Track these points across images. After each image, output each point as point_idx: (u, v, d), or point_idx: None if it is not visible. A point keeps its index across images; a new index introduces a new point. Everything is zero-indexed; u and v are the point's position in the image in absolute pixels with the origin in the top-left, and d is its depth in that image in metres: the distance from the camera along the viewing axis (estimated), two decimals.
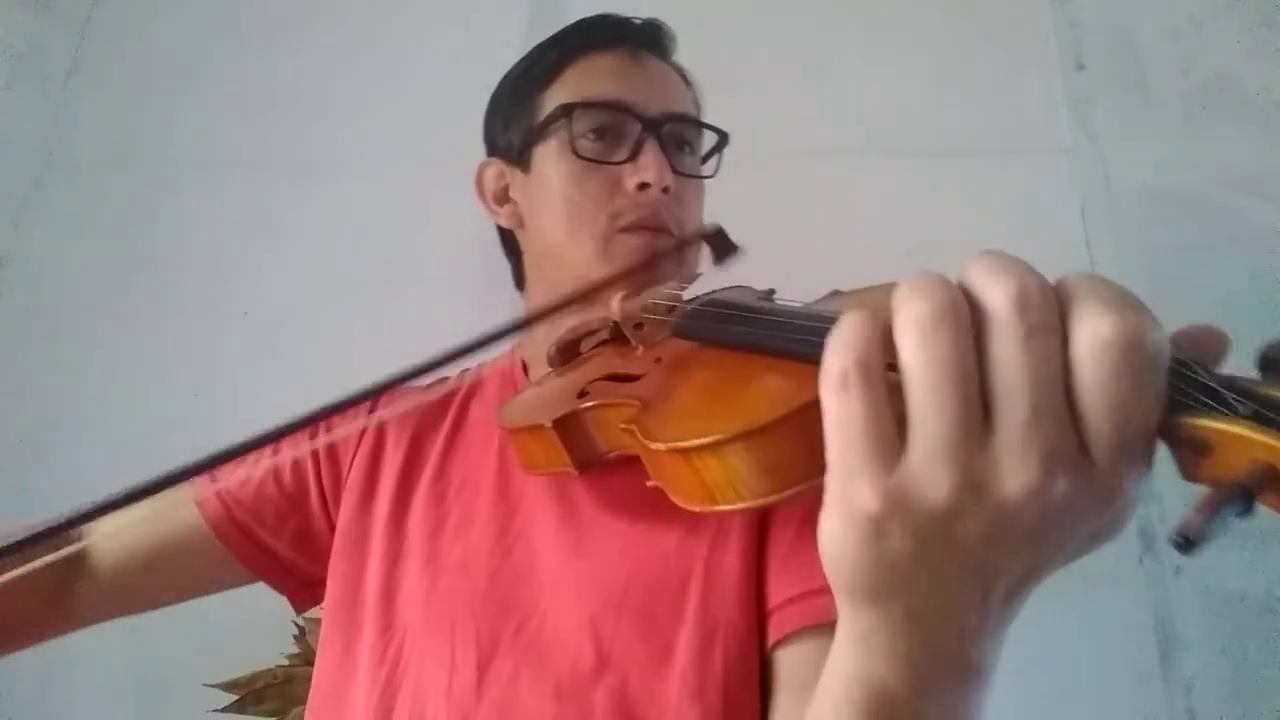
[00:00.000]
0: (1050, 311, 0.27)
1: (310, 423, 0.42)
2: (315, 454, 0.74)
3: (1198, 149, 1.16)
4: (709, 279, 0.64)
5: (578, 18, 0.79)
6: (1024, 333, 0.26)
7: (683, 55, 0.80)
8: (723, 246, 0.62)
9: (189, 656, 0.98)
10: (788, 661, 0.55)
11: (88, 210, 1.28)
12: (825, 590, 0.55)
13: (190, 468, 0.38)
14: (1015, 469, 0.26)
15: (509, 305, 0.84)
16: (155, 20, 1.38)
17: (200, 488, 0.73)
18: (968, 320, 0.27)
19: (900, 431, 0.28)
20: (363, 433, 0.75)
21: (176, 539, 0.72)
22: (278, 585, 0.75)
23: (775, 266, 0.70)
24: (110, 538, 0.71)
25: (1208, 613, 0.97)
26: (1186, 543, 0.26)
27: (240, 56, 1.35)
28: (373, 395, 0.44)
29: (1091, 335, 0.26)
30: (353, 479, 0.73)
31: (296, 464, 0.74)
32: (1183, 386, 0.28)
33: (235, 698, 0.99)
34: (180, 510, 0.73)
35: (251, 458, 0.38)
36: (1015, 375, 0.27)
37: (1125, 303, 0.27)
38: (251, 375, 1.18)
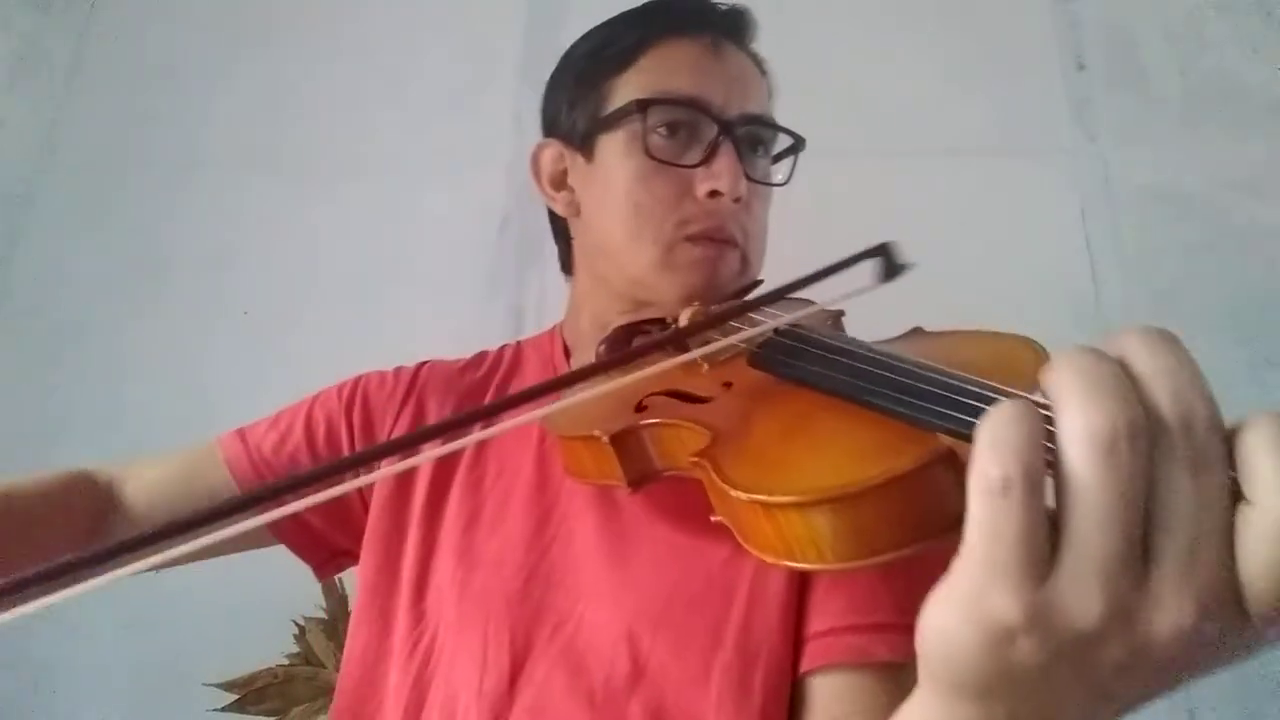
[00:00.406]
0: (1217, 439, 0.26)
1: (367, 460, 0.40)
2: (350, 425, 0.73)
3: (1198, 149, 1.16)
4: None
5: (576, 20, 0.78)
6: (1193, 461, 0.25)
7: None
8: (891, 265, 0.56)
9: (189, 656, 0.98)
10: (820, 692, 0.54)
11: (87, 210, 1.29)
12: (865, 628, 0.54)
13: (253, 496, 0.36)
14: (1169, 605, 0.25)
15: (507, 306, 0.84)
16: (155, 21, 1.38)
17: (231, 449, 0.73)
18: (1147, 445, 0.26)
19: (1051, 540, 0.26)
20: (400, 410, 0.73)
21: (208, 500, 0.71)
22: (304, 554, 0.74)
23: (776, 267, 0.70)
24: (143, 496, 0.70)
25: None
26: None
27: (240, 57, 1.35)
28: (413, 442, 0.41)
29: (1274, 513, 0.25)
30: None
31: (330, 434, 0.73)
32: None
33: (235, 697, 0.99)
34: (213, 472, 0.72)
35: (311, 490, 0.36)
36: (1181, 506, 0.25)
37: None
38: (251, 375, 1.18)
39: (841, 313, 0.65)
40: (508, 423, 0.42)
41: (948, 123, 1.20)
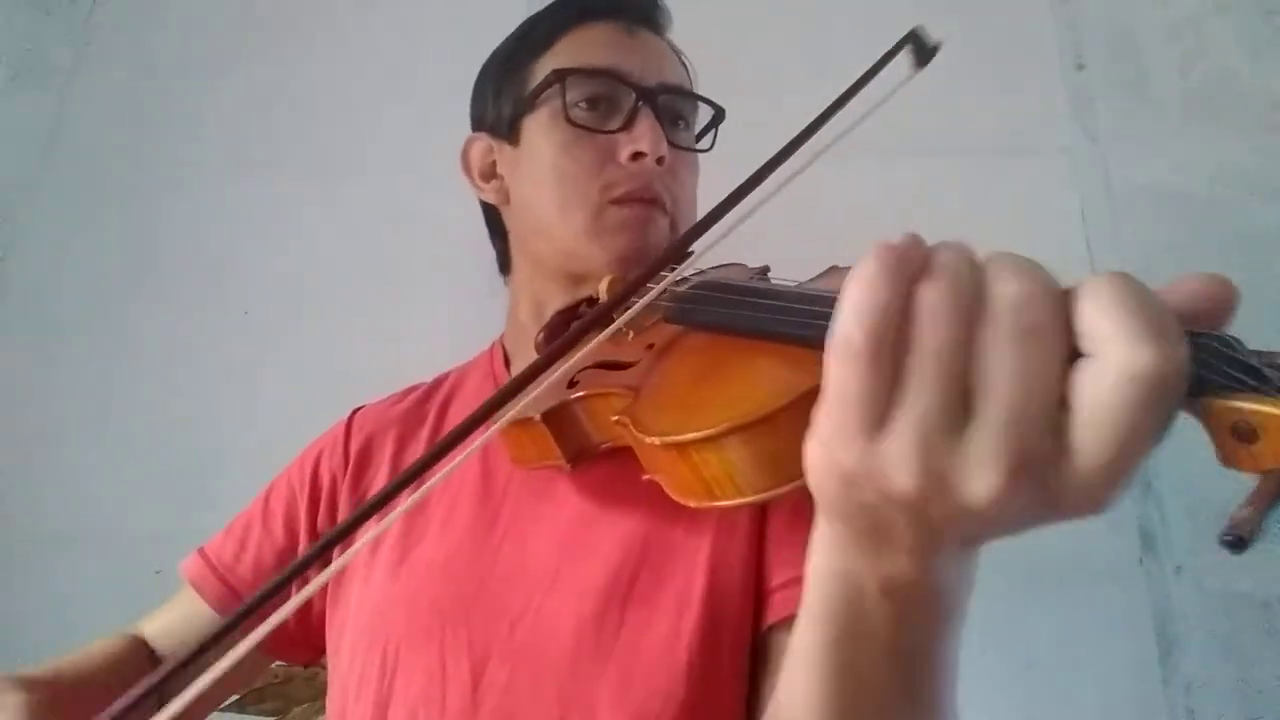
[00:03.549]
0: (1051, 317, 0.26)
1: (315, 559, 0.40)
2: (313, 505, 0.72)
3: (1198, 149, 1.16)
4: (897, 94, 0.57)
5: None
6: (1016, 332, 0.26)
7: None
8: (923, 49, 0.56)
9: None
10: (783, 645, 0.52)
11: (88, 210, 1.29)
12: None
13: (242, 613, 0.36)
14: (979, 472, 0.26)
15: (506, 307, 0.83)
16: (156, 21, 1.38)
17: (194, 573, 0.72)
18: (966, 316, 0.27)
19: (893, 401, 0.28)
20: (346, 463, 0.72)
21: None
22: (293, 658, 0.75)
23: (775, 267, 0.70)
24: (167, 645, 0.71)
25: (1208, 613, 0.97)
26: (1238, 541, 0.24)
27: (240, 57, 1.35)
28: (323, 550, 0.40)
29: (1121, 363, 0.25)
30: (342, 506, 0.71)
31: (289, 517, 0.72)
32: (1221, 365, 0.25)
33: (235, 697, 0.99)
34: (193, 604, 0.72)
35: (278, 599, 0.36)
36: (998, 375, 0.26)
37: (1162, 330, 0.25)
38: (251, 375, 1.18)
39: (767, 268, 0.66)
40: (459, 456, 0.42)
41: (948, 123, 1.20)
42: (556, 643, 0.56)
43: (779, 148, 0.49)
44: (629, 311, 0.50)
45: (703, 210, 0.74)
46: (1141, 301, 0.25)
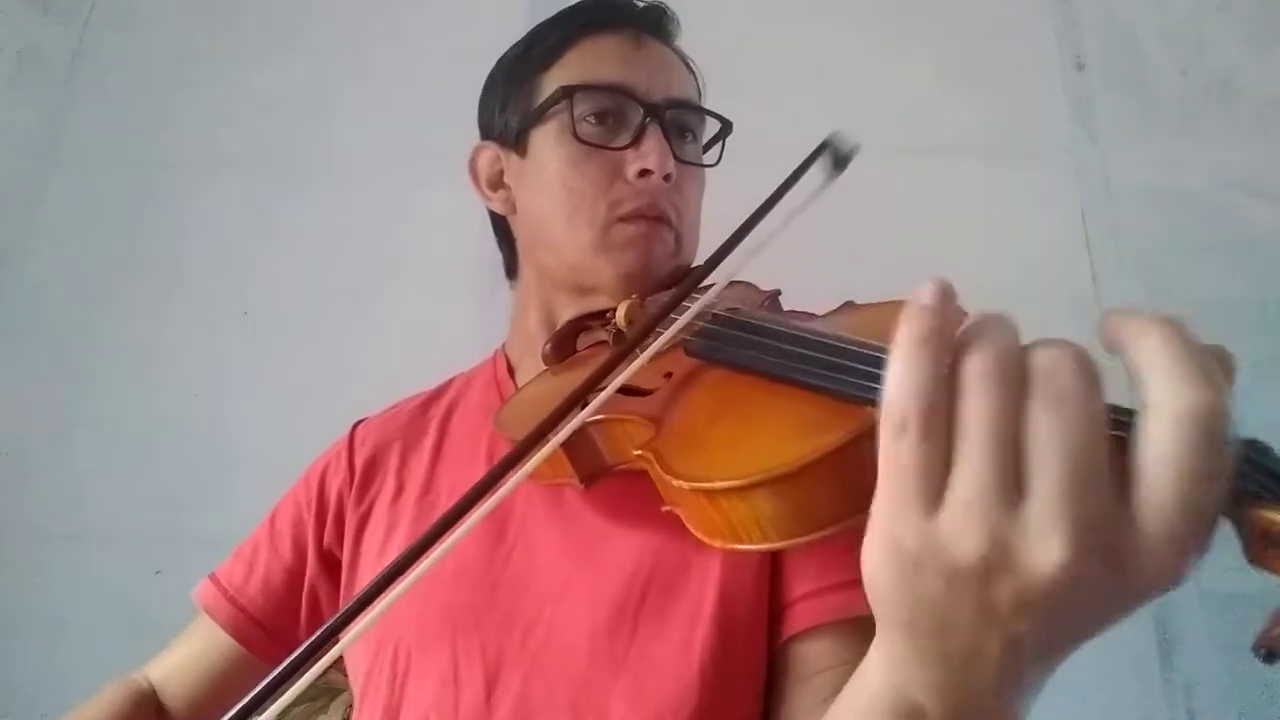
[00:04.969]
0: (1085, 381, 0.27)
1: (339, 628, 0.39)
2: (320, 523, 0.72)
3: (1198, 149, 1.16)
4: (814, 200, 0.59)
5: None
6: (1055, 397, 0.27)
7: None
8: (839, 155, 0.58)
9: None
10: (809, 653, 0.54)
11: (88, 210, 1.29)
12: (844, 585, 0.54)
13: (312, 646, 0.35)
14: (1042, 540, 0.26)
15: (507, 306, 0.83)
16: (155, 20, 1.38)
17: (209, 600, 0.72)
18: (1018, 379, 0.27)
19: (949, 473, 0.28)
20: (351, 478, 0.72)
21: (219, 666, 0.71)
22: None
23: (776, 267, 0.70)
24: (179, 691, 0.72)
25: (1208, 613, 0.97)
26: (1270, 656, 0.26)
27: (240, 56, 1.35)
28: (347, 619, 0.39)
29: (1170, 406, 0.25)
30: (349, 521, 0.71)
31: (296, 536, 0.72)
32: (1256, 473, 0.26)
33: None
34: (211, 634, 0.72)
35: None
36: (1045, 443, 0.26)
37: (1205, 372, 0.26)
38: (251, 375, 1.18)
39: (778, 292, 0.66)
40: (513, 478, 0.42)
41: (948, 123, 1.20)
42: (570, 651, 0.56)
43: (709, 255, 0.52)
44: (648, 351, 0.50)
45: (707, 219, 0.74)
46: (1183, 347, 0.26)
